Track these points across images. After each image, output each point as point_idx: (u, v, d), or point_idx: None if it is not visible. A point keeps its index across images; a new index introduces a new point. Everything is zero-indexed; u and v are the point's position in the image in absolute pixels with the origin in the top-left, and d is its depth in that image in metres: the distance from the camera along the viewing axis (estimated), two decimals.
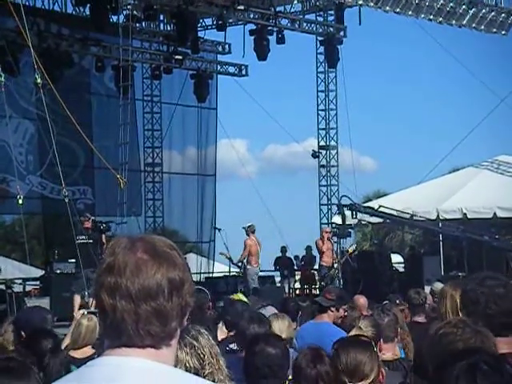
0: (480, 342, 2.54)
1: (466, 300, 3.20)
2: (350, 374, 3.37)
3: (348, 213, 17.20)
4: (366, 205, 17.17)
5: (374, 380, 3.38)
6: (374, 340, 4.47)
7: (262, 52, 21.16)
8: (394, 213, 17.01)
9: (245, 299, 7.23)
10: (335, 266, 18.10)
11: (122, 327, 1.69)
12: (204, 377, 3.14)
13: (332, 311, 6.35)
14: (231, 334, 5.37)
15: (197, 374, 3.11)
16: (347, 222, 17.33)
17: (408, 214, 17.06)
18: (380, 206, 17.01)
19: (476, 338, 2.57)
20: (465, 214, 17.75)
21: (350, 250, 17.70)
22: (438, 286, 11.95)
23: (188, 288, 1.74)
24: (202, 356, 3.21)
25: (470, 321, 2.71)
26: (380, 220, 20.15)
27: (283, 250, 20.62)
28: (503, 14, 22.29)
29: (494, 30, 22.44)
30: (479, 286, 3.16)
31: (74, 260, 14.47)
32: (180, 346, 3.11)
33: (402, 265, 19.81)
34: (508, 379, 1.88)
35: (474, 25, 22.04)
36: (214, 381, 3.13)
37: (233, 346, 4.96)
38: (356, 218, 17.24)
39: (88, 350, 5.56)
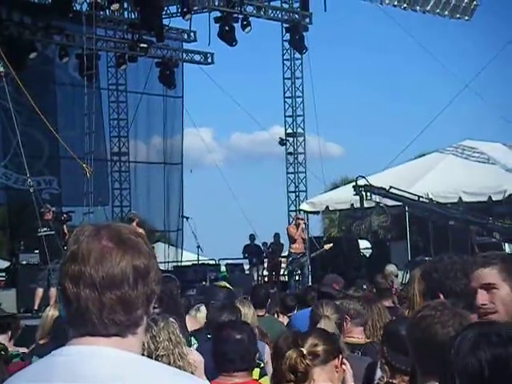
0: (458, 324, 2.57)
1: (437, 277, 3.26)
2: (302, 341, 3.51)
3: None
4: (378, 186, 17.12)
5: (328, 353, 3.50)
6: (338, 325, 4.74)
7: (227, 39, 21.07)
8: (404, 194, 17.15)
9: (230, 287, 7.26)
10: (305, 252, 18.11)
11: (86, 316, 1.67)
12: (156, 358, 3.20)
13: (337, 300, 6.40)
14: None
15: (150, 355, 3.16)
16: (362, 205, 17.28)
17: (416, 195, 17.15)
18: (391, 187, 17.06)
19: (454, 319, 2.59)
20: (431, 198, 17.90)
21: (327, 248, 17.71)
22: (390, 268, 12.11)
23: (154, 276, 1.73)
24: (157, 339, 3.25)
25: (449, 303, 2.74)
26: (348, 206, 20.27)
27: (251, 237, 20.66)
28: (466, 0, 22.48)
29: (458, 15, 22.64)
30: (450, 263, 3.26)
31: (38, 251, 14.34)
32: None
33: (370, 250, 19.97)
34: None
35: (437, 10, 22.21)
36: (169, 363, 3.17)
37: None
38: (371, 199, 17.23)
39: None
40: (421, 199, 17.16)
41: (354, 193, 17.18)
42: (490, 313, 2.75)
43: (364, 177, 17.44)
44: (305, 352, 3.43)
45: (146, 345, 3.22)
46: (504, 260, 2.85)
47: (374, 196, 17.13)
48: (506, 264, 2.82)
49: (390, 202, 17.95)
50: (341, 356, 3.61)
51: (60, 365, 1.67)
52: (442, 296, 3.23)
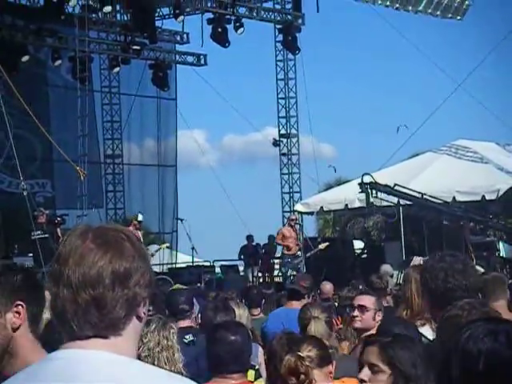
0: None
1: (427, 276, 3.26)
2: (299, 347, 3.57)
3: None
4: (383, 183, 17.23)
5: (322, 353, 3.57)
6: (328, 324, 4.91)
7: (220, 41, 21.08)
8: (408, 192, 17.25)
9: (183, 287, 7.18)
10: (299, 254, 18.09)
11: (64, 317, 1.69)
12: (139, 357, 3.16)
13: (304, 298, 6.47)
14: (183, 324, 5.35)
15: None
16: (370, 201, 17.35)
17: (419, 193, 17.24)
18: (395, 185, 17.14)
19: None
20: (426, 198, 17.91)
21: (322, 247, 17.71)
22: (385, 268, 12.12)
23: (138, 279, 1.71)
24: (142, 339, 3.20)
25: (476, 302, 2.73)
26: (342, 207, 20.26)
27: (249, 238, 20.57)
28: (458, 0, 22.53)
29: (450, 15, 22.69)
30: (438, 262, 3.23)
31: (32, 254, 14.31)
32: None
33: (365, 251, 19.95)
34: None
35: (429, 10, 22.26)
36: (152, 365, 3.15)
37: (188, 336, 4.99)
38: (376, 196, 17.29)
39: None
40: (424, 197, 17.28)
41: (360, 190, 17.24)
42: None
43: (369, 174, 17.50)
44: (302, 355, 3.45)
45: None
46: None
47: (379, 193, 17.24)
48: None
49: (384, 203, 18.01)
50: (334, 363, 3.64)
51: (50, 368, 1.68)
52: (430, 295, 3.24)
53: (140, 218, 16.49)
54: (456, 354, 1.83)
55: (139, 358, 3.18)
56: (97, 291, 1.67)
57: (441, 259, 3.25)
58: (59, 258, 1.71)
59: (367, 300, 4.99)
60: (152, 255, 17.84)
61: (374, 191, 17.15)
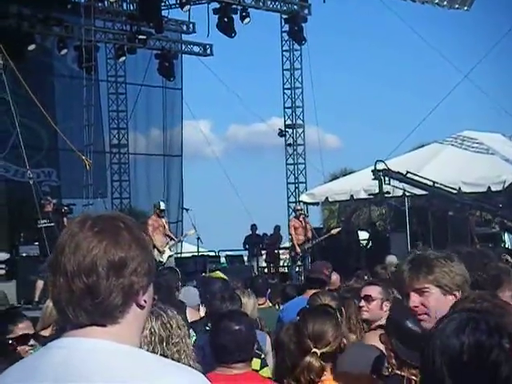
0: (498, 316, 2.55)
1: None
2: (315, 339, 3.52)
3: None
4: (396, 170, 17.25)
5: (337, 348, 3.54)
6: (338, 311, 4.78)
7: (226, 31, 21.04)
8: (420, 179, 17.29)
9: (224, 277, 7.18)
10: (307, 244, 18.12)
11: (60, 305, 1.70)
12: (172, 344, 3.16)
13: (325, 286, 6.50)
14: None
15: (162, 341, 3.12)
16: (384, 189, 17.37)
17: (431, 180, 17.26)
18: (407, 172, 17.14)
19: (494, 311, 2.56)
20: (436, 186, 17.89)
21: (334, 232, 17.75)
22: (390, 259, 12.12)
23: (135, 268, 1.71)
24: (168, 326, 3.21)
25: (487, 295, 2.73)
26: (347, 197, 20.26)
27: (253, 228, 20.61)
28: None
29: (457, 5, 22.61)
30: (473, 253, 3.28)
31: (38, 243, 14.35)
32: None
33: (370, 241, 19.97)
34: (494, 347, 1.81)
35: (436, 1, 22.18)
36: (178, 351, 3.14)
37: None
38: (389, 184, 17.28)
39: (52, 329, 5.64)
40: (435, 185, 17.28)
41: (373, 177, 17.22)
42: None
43: (383, 161, 17.48)
44: (318, 353, 3.45)
45: (157, 331, 3.18)
46: None
47: (392, 181, 17.23)
48: None
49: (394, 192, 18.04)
50: (344, 340, 3.65)
51: (49, 356, 1.69)
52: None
53: (162, 206, 16.37)
54: (438, 344, 1.83)
55: (172, 345, 3.17)
56: (91, 279, 1.67)
57: (469, 251, 3.29)
58: (57, 247, 1.72)
59: (372, 290, 4.96)
60: (180, 240, 17.91)
61: (386, 178, 17.14)
